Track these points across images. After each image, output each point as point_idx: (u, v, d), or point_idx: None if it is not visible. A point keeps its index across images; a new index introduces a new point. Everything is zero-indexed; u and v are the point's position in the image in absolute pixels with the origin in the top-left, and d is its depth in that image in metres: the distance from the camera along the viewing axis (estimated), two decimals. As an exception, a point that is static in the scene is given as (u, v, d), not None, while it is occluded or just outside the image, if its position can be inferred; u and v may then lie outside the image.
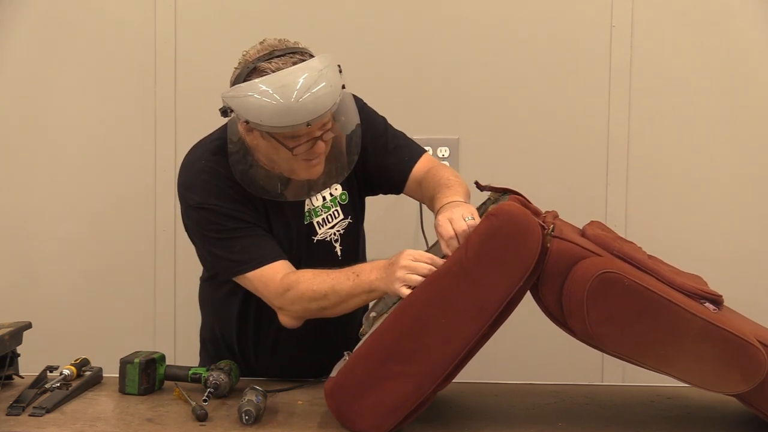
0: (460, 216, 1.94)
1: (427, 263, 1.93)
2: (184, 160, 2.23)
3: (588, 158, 3.16)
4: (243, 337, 2.30)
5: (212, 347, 2.38)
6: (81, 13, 3.20)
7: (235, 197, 2.14)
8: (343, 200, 2.29)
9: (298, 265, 2.18)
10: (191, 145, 2.25)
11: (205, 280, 2.36)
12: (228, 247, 2.14)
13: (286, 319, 2.14)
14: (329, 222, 2.26)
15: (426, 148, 3.11)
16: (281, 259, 2.13)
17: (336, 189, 2.27)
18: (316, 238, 2.25)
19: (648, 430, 1.97)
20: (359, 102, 2.29)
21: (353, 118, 2.18)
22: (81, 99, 3.22)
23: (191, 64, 3.18)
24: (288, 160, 2.10)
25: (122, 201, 3.23)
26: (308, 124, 2.02)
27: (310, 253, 2.24)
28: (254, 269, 2.12)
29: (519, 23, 3.15)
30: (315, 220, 2.25)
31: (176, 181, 2.22)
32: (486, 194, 2.16)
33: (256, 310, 2.24)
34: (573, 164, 3.16)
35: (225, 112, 2.08)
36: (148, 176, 3.21)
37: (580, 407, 2.12)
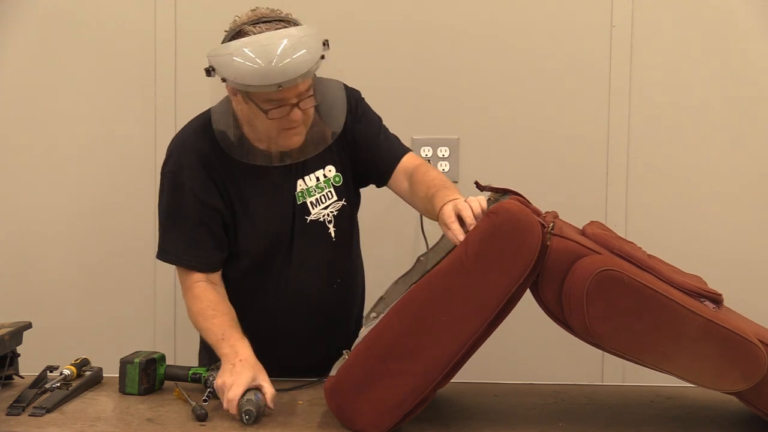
0: (467, 207, 1.96)
1: None
2: (175, 136, 2.29)
3: (588, 158, 3.16)
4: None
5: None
6: (81, 13, 3.20)
7: (206, 180, 2.19)
8: (337, 182, 2.30)
9: (291, 244, 2.24)
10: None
11: None
12: (169, 226, 2.22)
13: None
14: (322, 202, 2.28)
15: (426, 148, 3.15)
16: (207, 271, 2.22)
17: (330, 171, 2.29)
18: (309, 218, 2.26)
19: (648, 430, 1.97)
20: (357, 95, 2.32)
21: (337, 94, 2.21)
22: (81, 99, 3.22)
23: (191, 64, 3.18)
24: (267, 127, 2.13)
25: (122, 200, 3.23)
26: (280, 86, 2.04)
27: (304, 232, 2.26)
28: (174, 264, 2.25)
29: (519, 23, 3.15)
30: (308, 200, 2.26)
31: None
32: (486, 194, 2.16)
33: (252, 310, 2.25)
34: (573, 164, 3.16)
35: (208, 71, 2.12)
36: (148, 175, 3.21)
37: (580, 407, 2.11)
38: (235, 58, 2.05)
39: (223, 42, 2.13)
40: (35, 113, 3.23)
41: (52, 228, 3.25)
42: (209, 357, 2.36)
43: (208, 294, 2.19)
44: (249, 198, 2.22)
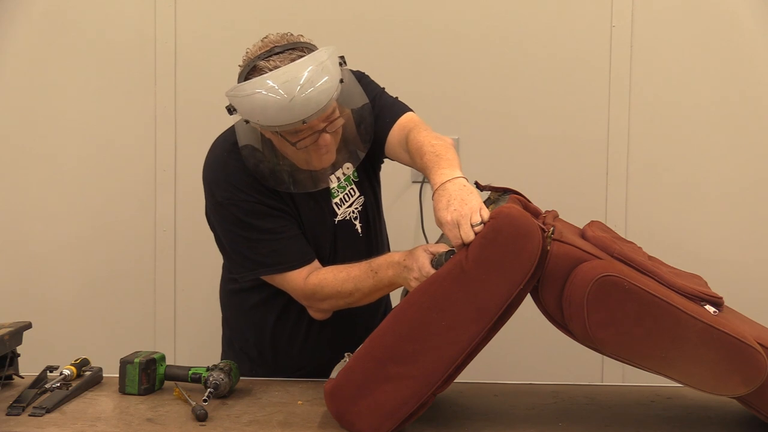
0: (467, 221, 1.87)
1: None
2: (208, 155, 2.24)
3: (588, 158, 3.16)
4: (278, 341, 2.32)
5: (241, 350, 2.37)
6: (81, 13, 3.20)
7: (261, 190, 2.15)
8: (356, 178, 2.29)
9: (324, 246, 2.23)
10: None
11: (234, 292, 2.35)
12: (254, 248, 2.17)
13: (315, 314, 2.22)
14: (346, 201, 2.28)
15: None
16: (306, 264, 2.17)
17: (348, 168, 2.27)
18: (337, 219, 2.26)
19: (648, 430, 1.97)
20: (358, 75, 2.27)
21: (362, 105, 2.18)
22: (81, 99, 3.22)
23: (191, 64, 3.18)
24: (297, 152, 2.10)
25: (122, 201, 3.23)
26: (304, 122, 2.02)
27: (334, 233, 2.26)
28: (279, 273, 2.17)
29: (519, 23, 3.15)
30: (333, 201, 2.26)
31: (201, 177, 2.22)
32: (486, 194, 2.16)
33: (288, 312, 2.27)
34: (573, 164, 3.16)
35: (230, 110, 2.10)
36: (148, 176, 3.21)
37: (580, 407, 2.11)
38: (254, 98, 2.01)
39: (239, 79, 2.09)
40: (35, 114, 3.23)
41: (52, 228, 3.25)
42: (233, 353, 2.37)
43: (323, 273, 2.15)
44: (299, 203, 2.21)
